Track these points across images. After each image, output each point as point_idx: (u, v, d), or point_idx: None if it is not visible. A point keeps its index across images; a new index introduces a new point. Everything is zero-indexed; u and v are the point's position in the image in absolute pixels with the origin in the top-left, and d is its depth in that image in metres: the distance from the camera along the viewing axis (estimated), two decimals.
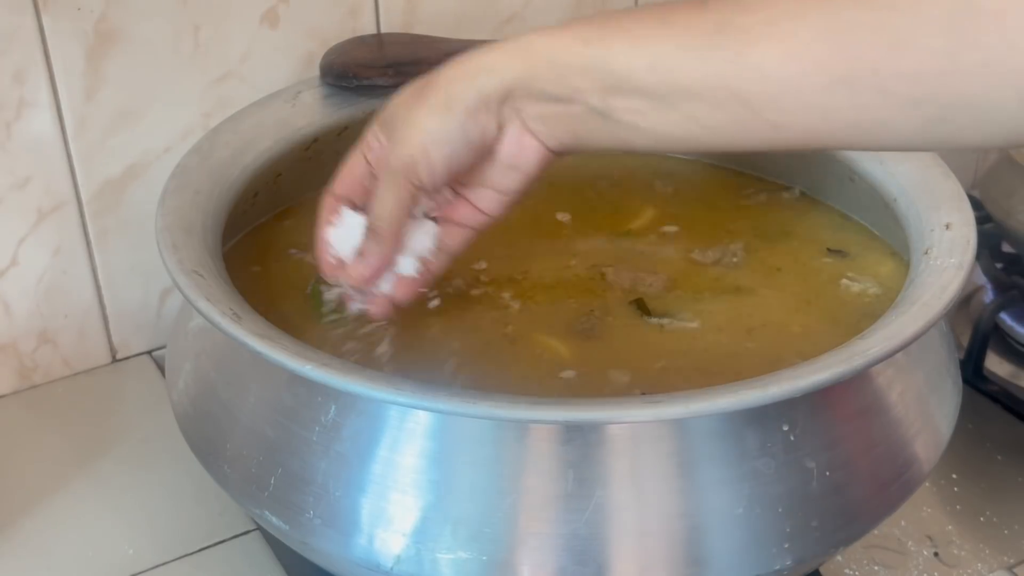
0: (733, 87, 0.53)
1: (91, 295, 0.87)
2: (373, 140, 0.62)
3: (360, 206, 0.63)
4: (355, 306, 0.64)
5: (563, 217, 0.81)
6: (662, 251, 0.77)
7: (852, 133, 0.53)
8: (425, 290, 0.65)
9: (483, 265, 0.75)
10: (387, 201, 0.60)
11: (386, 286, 0.63)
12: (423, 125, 0.58)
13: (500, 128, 0.58)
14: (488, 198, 0.62)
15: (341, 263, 0.63)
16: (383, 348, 0.66)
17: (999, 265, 0.97)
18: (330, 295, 0.66)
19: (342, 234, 0.63)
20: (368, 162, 0.62)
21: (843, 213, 0.80)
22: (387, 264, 0.62)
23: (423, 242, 0.63)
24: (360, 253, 0.62)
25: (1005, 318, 0.93)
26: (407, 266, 0.63)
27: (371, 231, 0.61)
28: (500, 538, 0.57)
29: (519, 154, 0.59)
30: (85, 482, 0.79)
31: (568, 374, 0.66)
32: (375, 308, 0.64)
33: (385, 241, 0.61)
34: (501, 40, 0.58)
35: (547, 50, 0.57)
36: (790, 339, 0.69)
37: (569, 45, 0.56)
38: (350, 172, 0.63)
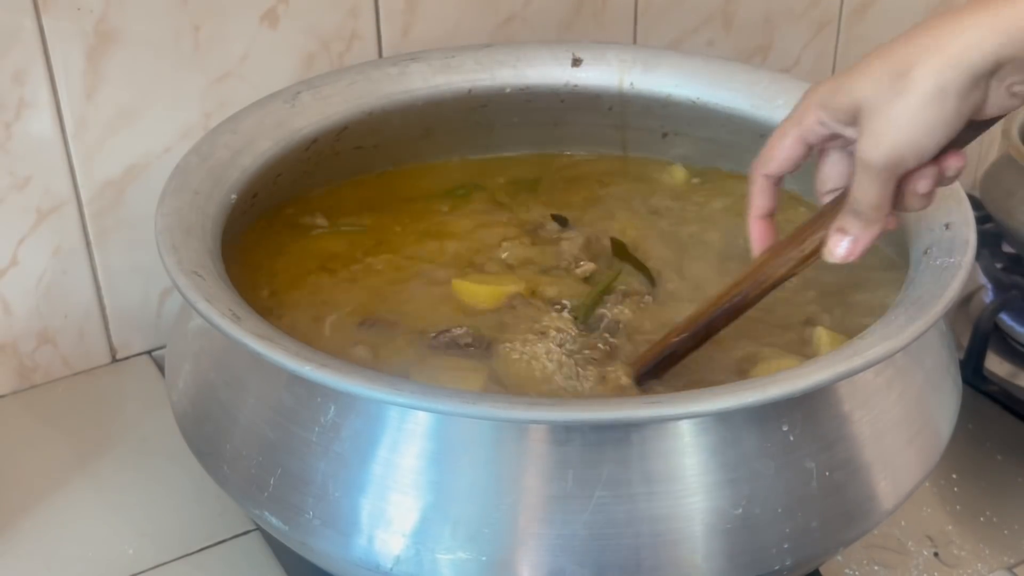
0: None
1: (91, 295, 0.87)
2: (817, 125, 0.60)
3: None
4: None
5: (564, 218, 0.81)
6: (663, 252, 0.77)
7: None
8: None
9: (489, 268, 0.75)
10: (872, 193, 0.59)
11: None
12: (911, 120, 0.56)
13: (985, 97, 0.56)
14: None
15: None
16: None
17: (999, 265, 0.96)
18: None
19: None
20: (808, 144, 0.61)
21: None
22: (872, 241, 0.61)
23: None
24: (840, 230, 0.61)
25: (1005, 318, 0.93)
26: None
27: (855, 215, 0.60)
28: (500, 538, 0.57)
29: (1004, 107, 0.57)
30: (85, 482, 0.79)
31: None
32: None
33: (874, 223, 0.60)
34: (955, 10, 0.56)
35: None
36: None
37: None
38: (784, 153, 0.62)
